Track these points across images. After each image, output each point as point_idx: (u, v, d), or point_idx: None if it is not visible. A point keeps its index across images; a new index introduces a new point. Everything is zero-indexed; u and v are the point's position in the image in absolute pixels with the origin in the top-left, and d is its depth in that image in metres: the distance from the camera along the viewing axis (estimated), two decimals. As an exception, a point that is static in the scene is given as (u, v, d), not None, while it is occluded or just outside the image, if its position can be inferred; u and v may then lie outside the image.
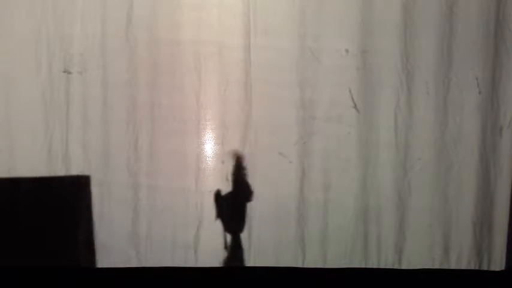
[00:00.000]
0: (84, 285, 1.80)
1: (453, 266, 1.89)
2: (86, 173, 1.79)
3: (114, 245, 1.83)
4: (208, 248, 1.85)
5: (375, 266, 1.89)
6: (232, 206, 1.84)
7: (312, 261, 1.88)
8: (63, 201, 1.80)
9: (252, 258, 1.87)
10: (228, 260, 1.85)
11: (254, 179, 1.83)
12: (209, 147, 1.82)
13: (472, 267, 1.90)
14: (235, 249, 1.85)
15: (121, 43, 1.74)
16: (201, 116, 1.80)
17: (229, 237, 1.85)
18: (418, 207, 1.86)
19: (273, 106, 1.80)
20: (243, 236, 1.86)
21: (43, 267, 1.79)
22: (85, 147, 1.78)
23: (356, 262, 1.89)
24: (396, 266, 1.89)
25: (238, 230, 1.85)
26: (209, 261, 1.86)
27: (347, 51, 1.79)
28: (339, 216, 1.86)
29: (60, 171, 1.78)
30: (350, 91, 1.80)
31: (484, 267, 1.90)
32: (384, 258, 1.89)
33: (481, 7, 1.77)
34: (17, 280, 1.75)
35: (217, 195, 1.83)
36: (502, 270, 1.89)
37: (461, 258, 1.89)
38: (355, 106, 1.81)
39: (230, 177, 1.83)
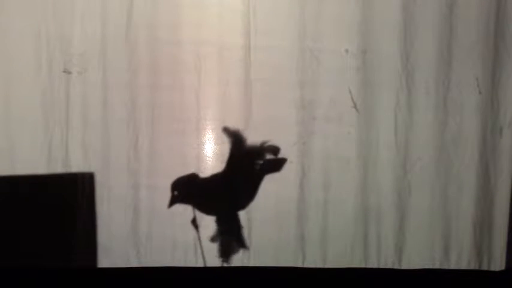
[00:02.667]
0: (84, 285, 1.80)
1: (453, 266, 1.89)
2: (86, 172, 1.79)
3: (114, 245, 1.83)
4: (208, 248, 1.85)
5: (375, 266, 1.89)
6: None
7: (312, 261, 1.88)
8: (65, 200, 1.79)
9: (252, 258, 1.87)
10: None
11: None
12: (209, 147, 1.82)
13: (472, 267, 1.90)
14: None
15: (121, 43, 1.74)
16: (201, 116, 1.80)
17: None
18: (418, 207, 1.86)
19: (273, 106, 1.80)
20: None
21: (43, 267, 1.79)
22: (85, 147, 1.78)
23: (356, 262, 1.89)
24: (396, 266, 1.89)
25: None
26: (209, 261, 1.86)
27: (347, 51, 1.79)
28: (339, 216, 1.86)
29: (60, 171, 1.78)
30: (350, 91, 1.80)
31: (484, 267, 1.90)
32: (383, 258, 1.89)
33: (481, 7, 1.77)
34: (17, 280, 1.75)
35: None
36: (502, 270, 1.90)
37: (461, 258, 1.89)
38: (355, 106, 1.81)
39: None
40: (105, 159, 1.79)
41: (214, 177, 1.80)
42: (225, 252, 1.85)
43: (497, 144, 1.84)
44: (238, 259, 1.86)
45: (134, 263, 1.84)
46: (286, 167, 1.82)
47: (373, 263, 1.89)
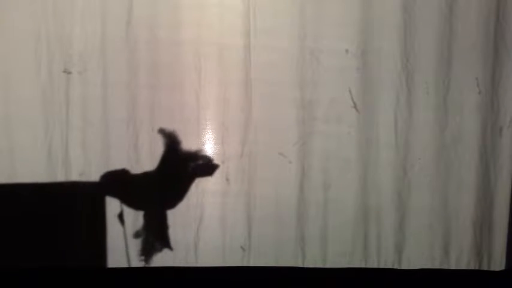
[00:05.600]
0: (84, 285, 1.80)
1: (453, 266, 1.90)
2: (86, 172, 1.79)
3: (115, 245, 1.83)
4: (208, 248, 1.85)
5: (374, 266, 1.89)
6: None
7: (312, 261, 1.88)
8: (76, 206, 1.80)
9: (252, 258, 1.87)
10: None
11: (254, 179, 1.83)
12: (209, 147, 1.82)
13: (472, 267, 1.90)
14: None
15: (121, 43, 1.74)
16: (201, 116, 1.80)
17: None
18: (418, 207, 1.86)
19: (273, 106, 1.80)
20: (243, 235, 1.86)
21: (44, 267, 1.79)
22: (85, 147, 1.78)
23: (356, 262, 1.89)
24: (396, 266, 1.89)
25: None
26: (209, 261, 1.86)
27: (347, 51, 1.79)
28: (339, 216, 1.86)
29: (60, 171, 1.78)
30: (350, 91, 1.80)
31: (484, 267, 1.90)
32: (383, 258, 1.89)
33: (481, 7, 1.78)
34: (17, 280, 1.75)
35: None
36: (502, 270, 1.90)
37: (461, 258, 1.89)
38: (355, 106, 1.81)
39: (227, 177, 1.83)
40: (105, 159, 1.79)
41: (145, 175, 1.79)
42: (147, 250, 1.83)
43: (497, 144, 1.84)
44: (238, 259, 1.87)
45: (134, 263, 1.84)
46: (286, 167, 1.83)
47: (373, 263, 1.89)
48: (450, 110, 1.82)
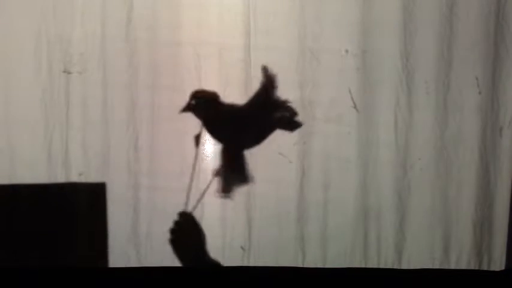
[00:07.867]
0: (84, 285, 1.80)
1: (453, 266, 1.89)
2: (85, 172, 1.79)
3: (114, 245, 1.83)
4: (208, 248, 1.85)
5: (374, 266, 1.89)
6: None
7: (312, 261, 1.88)
8: (77, 207, 1.81)
9: (252, 258, 1.87)
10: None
11: (254, 179, 1.83)
12: (209, 147, 1.82)
13: (472, 267, 1.90)
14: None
15: (121, 43, 1.74)
16: (201, 116, 1.80)
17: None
18: (418, 207, 1.86)
19: (273, 106, 1.81)
20: (243, 235, 1.86)
21: (43, 267, 1.79)
22: (85, 148, 1.78)
23: (356, 262, 1.89)
24: (396, 266, 1.89)
25: None
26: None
27: (347, 51, 1.79)
28: (339, 216, 1.86)
29: (60, 171, 1.78)
30: (350, 91, 1.80)
31: (484, 267, 1.90)
32: (383, 258, 1.89)
33: (481, 7, 1.77)
34: (17, 280, 1.75)
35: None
36: (502, 270, 1.90)
37: (461, 258, 1.89)
38: (355, 106, 1.81)
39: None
40: (105, 160, 1.79)
41: (232, 107, 1.77)
42: (227, 186, 1.82)
43: (497, 144, 1.84)
44: (238, 259, 1.86)
45: (134, 263, 1.84)
46: (286, 167, 1.82)
47: (373, 263, 1.89)
48: (450, 110, 1.82)
